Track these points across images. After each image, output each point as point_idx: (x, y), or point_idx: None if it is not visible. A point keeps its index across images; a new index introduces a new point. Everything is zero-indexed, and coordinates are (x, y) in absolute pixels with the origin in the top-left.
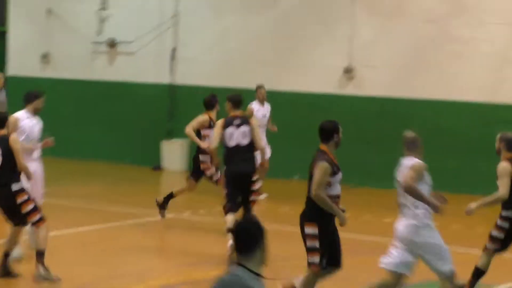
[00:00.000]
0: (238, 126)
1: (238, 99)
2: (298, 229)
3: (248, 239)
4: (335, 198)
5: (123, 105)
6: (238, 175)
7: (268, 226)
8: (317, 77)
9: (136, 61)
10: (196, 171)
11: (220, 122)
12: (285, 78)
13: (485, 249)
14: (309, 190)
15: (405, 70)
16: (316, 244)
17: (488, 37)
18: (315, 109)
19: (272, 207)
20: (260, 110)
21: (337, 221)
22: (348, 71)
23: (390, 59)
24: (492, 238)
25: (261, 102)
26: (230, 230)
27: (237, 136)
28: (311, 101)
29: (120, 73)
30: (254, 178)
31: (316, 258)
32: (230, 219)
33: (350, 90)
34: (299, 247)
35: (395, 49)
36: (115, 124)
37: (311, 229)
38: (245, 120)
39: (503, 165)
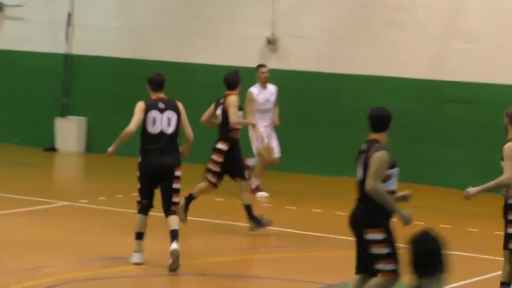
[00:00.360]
0: (162, 111)
1: (159, 80)
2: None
3: (426, 259)
4: (391, 194)
5: (11, 77)
6: (157, 167)
7: None
8: (236, 48)
9: (27, 28)
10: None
11: (140, 104)
12: (199, 50)
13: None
14: (363, 188)
15: (335, 41)
16: (387, 249)
17: (429, 3)
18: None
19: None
20: (261, 94)
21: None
22: (271, 42)
23: (318, 29)
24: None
25: (263, 85)
26: (138, 236)
27: (162, 122)
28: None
29: (8, 41)
30: (177, 173)
31: (391, 265)
32: (139, 221)
33: (273, 63)
34: None
35: (324, 17)
36: (0, 99)
37: (377, 235)
38: (172, 104)
39: (509, 145)
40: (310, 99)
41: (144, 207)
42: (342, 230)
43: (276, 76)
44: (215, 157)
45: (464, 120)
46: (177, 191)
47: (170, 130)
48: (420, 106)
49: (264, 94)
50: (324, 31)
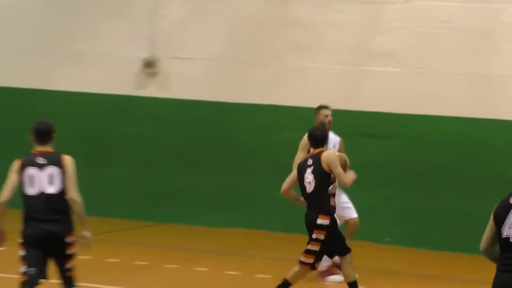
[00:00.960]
0: (42, 167)
1: (42, 129)
2: None
3: None
4: None
5: None
6: (39, 238)
7: None
8: (105, 72)
9: None
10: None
11: (15, 164)
12: (60, 75)
13: None
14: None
15: (228, 65)
16: None
17: (340, 21)
18: (106, 116)
19: None
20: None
21: None
22: (149, 65)
23: (207, 49)
24: None
25: (330, 128)
26: None
27: (41, 180)
28: (98, 105)
29: None
30: (69, 240)
31: None
32: None
33: (152, 90)
34: None
35: (214, 36)
36: None
37: None
38: (56, 158)
39: None
40: (198, 133)
41: (32, 279)
42: None
43: (155, 106)
44: (316, 235)
45: (383, 157)
46: (70, 256)
47: (51, 189)
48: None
49: (329, 141)
50: (214, 53)
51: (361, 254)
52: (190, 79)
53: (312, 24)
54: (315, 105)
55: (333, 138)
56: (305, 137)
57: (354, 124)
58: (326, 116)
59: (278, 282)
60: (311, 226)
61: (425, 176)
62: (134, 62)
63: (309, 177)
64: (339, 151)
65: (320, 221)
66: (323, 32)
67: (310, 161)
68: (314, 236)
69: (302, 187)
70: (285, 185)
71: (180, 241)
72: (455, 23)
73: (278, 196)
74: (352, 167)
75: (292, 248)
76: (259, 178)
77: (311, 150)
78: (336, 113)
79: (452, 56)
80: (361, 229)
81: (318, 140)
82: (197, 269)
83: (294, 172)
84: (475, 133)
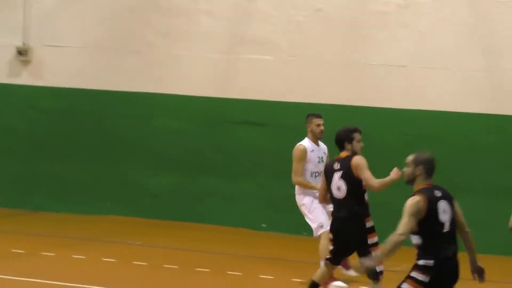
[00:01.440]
0: None
1: None
2: None
3: None
4: None
5: None
6: None
7: None
8: None
9: None
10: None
11: None
12: None
13: None
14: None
15: (100, 53)
16: None
17: (214, 8)
18: None
19: None
20: (315, 152)
21: None
22: (22, 53)
23: (79, 37)
24: None
25: (316, 139)
26: None
27: None
28: None
29: None
30: None
31: None
32: None
33: (25, 78)
34: None
35: (86, 24)
36: None
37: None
38: None
39: None
40: (71, 122)
41: None
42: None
43: (29, 94)
44: (371, 239)
45: (257, 145)
46: None
47: None
48: (205, 129)
49: (318, 152)
50: (87, 41)
51: (238, 240)
52: (63, 67)
53: (186, 11)
54: (189, 93)
55: (324, 146)
56: (300, 146)
57: (229, 112)
58: (318, 125)
59: (155, 269)
60: (354, 233)
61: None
62: (7, 50)
63: (338, 182)
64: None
65: (369, 223)
66: (196, 20)
67: (337, 165)
68: (372, 241)
69: (330, 191)
70: (320, 196)
71: (54, 229)
72: (326, 12)
73: (152, 184)
74: (229, 155)
75: (166, 235)
76: (133, 167)
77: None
78: (211, 101)
79: (324, 44)
80: (238, 216)
81: (337, 142)
82: (74, 256)
83: (323, 179)
84: (347, 120)
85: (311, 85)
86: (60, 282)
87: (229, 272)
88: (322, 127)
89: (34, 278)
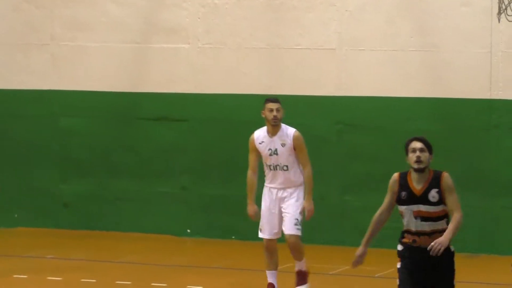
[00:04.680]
0: None
1: None
2: None
3: None
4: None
5: None
6: None
7: None
8: None
9: None
10: None
11: None
12: None
13: None
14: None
15: (0, 48)
16: None
17: None
18: None
19: None
20: (265, 143)
21: None
22: None
23: None
24: None
25: (271, 128)
26: None
27: None
28: None
29: None
30: None
31: None
32: None
33: None
34: None
35: None
36: None
37: None
38: None
39: None
40: None
41: None
42: None
43: None
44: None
45: (176, 143)
46: None
47: None
48: (116, 127)
49: (269, 143)
50: None
51: (160, 248)
52: None
53: (91, 0)
54: (101, 89)
55: (283, 135)
56: (251, 136)
57: (142, 108)
58: (271, 110)
59: (72, 284)
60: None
61: (219, 162)
62: None
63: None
64: (295, 148)
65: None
66: (103, 8)
67: None
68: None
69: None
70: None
71: (22, 249)
72: None
73: (61, 191)
74: (144, 156)
75: (80, 246)
76: (39, 173)
77: None
78: (122, 96)
79: (244, 29)
80: (158, 221)
81: None
82: None
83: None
84: None
85: (234, 75)
86: None
87: (153, 284)
88: (275, 113)
89: None
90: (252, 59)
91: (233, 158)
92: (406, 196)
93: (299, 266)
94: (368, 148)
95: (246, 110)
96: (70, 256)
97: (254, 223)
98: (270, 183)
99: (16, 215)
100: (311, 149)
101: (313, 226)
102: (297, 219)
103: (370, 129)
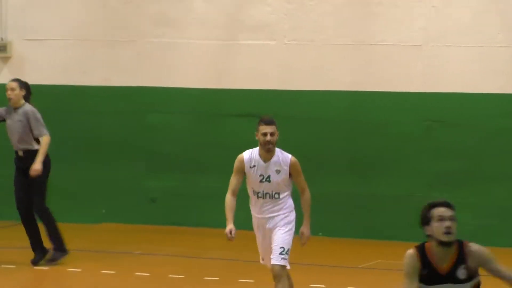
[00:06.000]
0: None
1: None
2: None
3: None
4: None
5: None
6: None
7: None
8: None
9: None
10: None
11: None
12: None
13: None
14: None
15: (84, 46)
16: None
17: None
18: None
19: None
20: (256, 168)
21: None
22: (2, 49)
23: (59, 30)
24: None
25: (264, 152)
26: None
27: None
28: None
29: None
30: None
31: None
32: None
33: (6, 75)
34: None
35: (67, 15)
36: None
37: None
38: None
39: None
40: (54, 122)
41: None
42: None
43: None
44: None
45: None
46: None
47: None
48: (203, 124)
49: (260, 168)
50: (71, 33)
51: (246, 245)
52: (46, 62)
53: None
54: (187, 85)
55: (278, 161)
56: (239, 156)
57: (229, 104)
58: (265, 135)
59: (160, 279)
60: None
61: (307, 158)
62: None
63: None
64: (291, 174)
65: None
66: (190, 5)
67: None
68: None
69: None
70: None
71: (44, 241)
72: None
73: (148, 187)
74: (231, 152)
75: (167, 242)
76: (127, 169)
77: None
78: (209, 92)
79: (329, 26)
80: (244, 218)
81: None
82: (69, 270)
83: None
84: (359, 108)
85: (319, 71)
86: None
87: (241, 280)
88: (269, 137)
89: None
90: (337, 55)
91: (318, 155)
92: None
93: None
94: (456, 145)
95: (332, 107)
96: (157, 252)
97: (343, 219)
98: (258, 213)
99: (103, 211)
100: (398, 146)
101: (401, 225)
102: (283, 248)
103: (458, 125)
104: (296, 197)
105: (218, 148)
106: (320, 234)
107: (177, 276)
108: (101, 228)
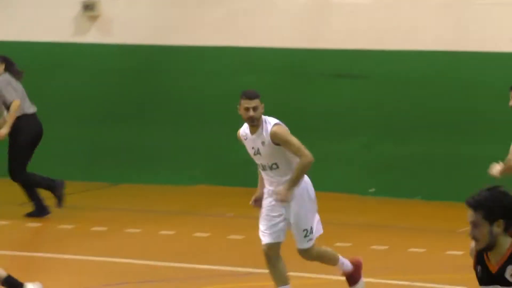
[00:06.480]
0: None
1: None
2: None
3: None
4: None
5: None
6: None
7: None
8: (41, 17)
9: None
10: None
11: None
12: None
13: None
14: None
15: (175, 4)
16: None
17: None
18: (40, 67)
19: None
20: (248, 141)
21: None
22: (89, 7)
23: None
24: None
25: (251, 128)
26: None
27: None
28: (31, 56)
29: None
30: None
31: None
32: None
33: (94, 35)
34: None
35: None
36: None
37: None
38: None
39: None
40: (148, 82)
41: None
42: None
43: (98, 53)
44: None
45: (355, 101)
46: None
47: None
48: (296, 84)
49: (251, 141)
50: None
51: (344, 207)
52: (135, 21)
53: None
54: (276, 45)
55: (262, 133)
56: (238, 133)
57: (321, 64)
58: (247, 110)
59: (254, 243)
60: None
61: (404, 119)
62: (71, 4)
63: None
64: (278, 144)
65: None
66: None
67: None
68: None
69: None
70: None
71: (138, 202)
72: None
73: (243, 149)
74: (323, 113)
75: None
76: (221, 131)
77: None
78: (303, 53)
79: None
80: (340, 180)
81: None
82: (162, 232)
83: None
84: (456, 67)
85: (415, 30)
86: (148, 261)
87: (337, 244)
88: (252, 113)
89: (119, 258)
90: (434, 14)
91: (413, 117)
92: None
93: (339, 269)
94: None
95: (428, 67)
96: (250, 214)
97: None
98: (269, 185)
99: (196, 173)
100: (498, 106)
101: None
102: (307, 230)
103: None
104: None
105: (310, 109)
106: (418, 197)
107: None
108: (195, 190)
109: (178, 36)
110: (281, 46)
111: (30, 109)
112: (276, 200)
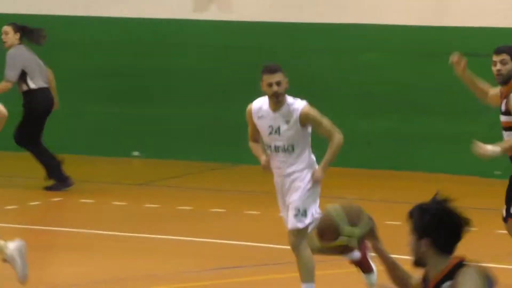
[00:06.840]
0: None
1: None
2: None
3: None
4: None
5: None
6: None
7: None
8: None
9: None
10: None
11: None
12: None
13: None
14: None
15: None
16: None
17: None
18: (159, 48)
19: None
20: (264, 118)
21: None
22: None
23: None
24: None
25: (273, 102)
26: None
27: None
28: (151, 32)
29: None
30: None
31: None
32: None
33: (213, 12)
34: None
35: None
36: None
37: None
38: None
39: None
40: (268, 60)
41: None
42: None
43: (218, 30)
44: None
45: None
46: None
47: None
48: (418, 63)
49: (269, 119)
50: None
51: (466, 190)
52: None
53: None
54: (401, 23)
55: (288, 111)
56: (249, 106)
57: (446, 43)
58: (270, 85)
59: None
60: None
61: None
62: None
63: None
64: (308, 125)
65: None
66: None
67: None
68: None
69: None
70: None
71: (258, 184)
72: None
73: (363, 128)
74: (449, 92)
75: (382, 187)
76: (341, 109)
77: None
78: (425, 30)
79: None
80: (464, 162)
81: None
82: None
83: None
84: None
85: None
86: (267, 244)
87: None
88: (275, 88)
89: (237, 241)
90: None
91: None
92: None
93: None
94: None
95: None
96: (372, 197)
97: None
98: (277, 167)
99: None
100: None
101: None
102: (299, 209)
103: None
104: None
105: (434, 89)
106: (497, 172)
107: (394, 222)
108: None
109: (300, 14)
110: (405, 23)
111: (42, 83)
112: (313, 180)
